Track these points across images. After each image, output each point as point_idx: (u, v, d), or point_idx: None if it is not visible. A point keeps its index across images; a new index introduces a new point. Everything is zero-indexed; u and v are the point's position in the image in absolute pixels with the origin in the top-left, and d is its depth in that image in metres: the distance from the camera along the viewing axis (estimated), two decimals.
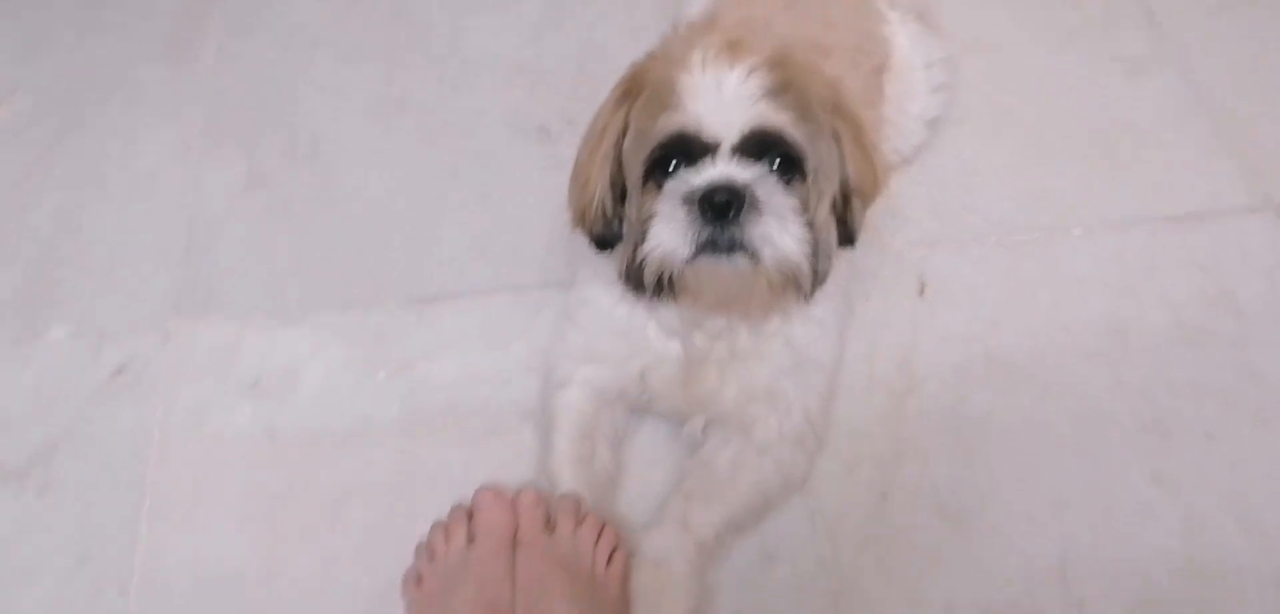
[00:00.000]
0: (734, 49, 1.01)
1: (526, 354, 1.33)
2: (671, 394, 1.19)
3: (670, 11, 1.54)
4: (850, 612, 1.15)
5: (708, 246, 0.98)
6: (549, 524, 1.10)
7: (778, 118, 0.99)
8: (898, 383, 1.31)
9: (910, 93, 1.43)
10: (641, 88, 1.05)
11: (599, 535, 1.10)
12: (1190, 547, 1.18)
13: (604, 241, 1.11)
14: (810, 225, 1.00)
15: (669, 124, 1.00)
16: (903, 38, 1.41)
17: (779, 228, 0.98)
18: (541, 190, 1.49)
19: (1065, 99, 1.62)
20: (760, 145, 1.00)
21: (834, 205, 1.05)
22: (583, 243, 1.15)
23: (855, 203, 1.06)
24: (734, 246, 0.97)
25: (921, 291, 1.39)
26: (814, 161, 1.01)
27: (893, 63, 1.38)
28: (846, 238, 1.08)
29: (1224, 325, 1.35)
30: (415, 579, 1.09)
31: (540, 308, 1.37)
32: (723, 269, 0.99)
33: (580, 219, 1.11)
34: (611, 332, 1.18)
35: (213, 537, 1.19)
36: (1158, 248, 1.43)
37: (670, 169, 1.01)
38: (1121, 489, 1.22)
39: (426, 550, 1.10)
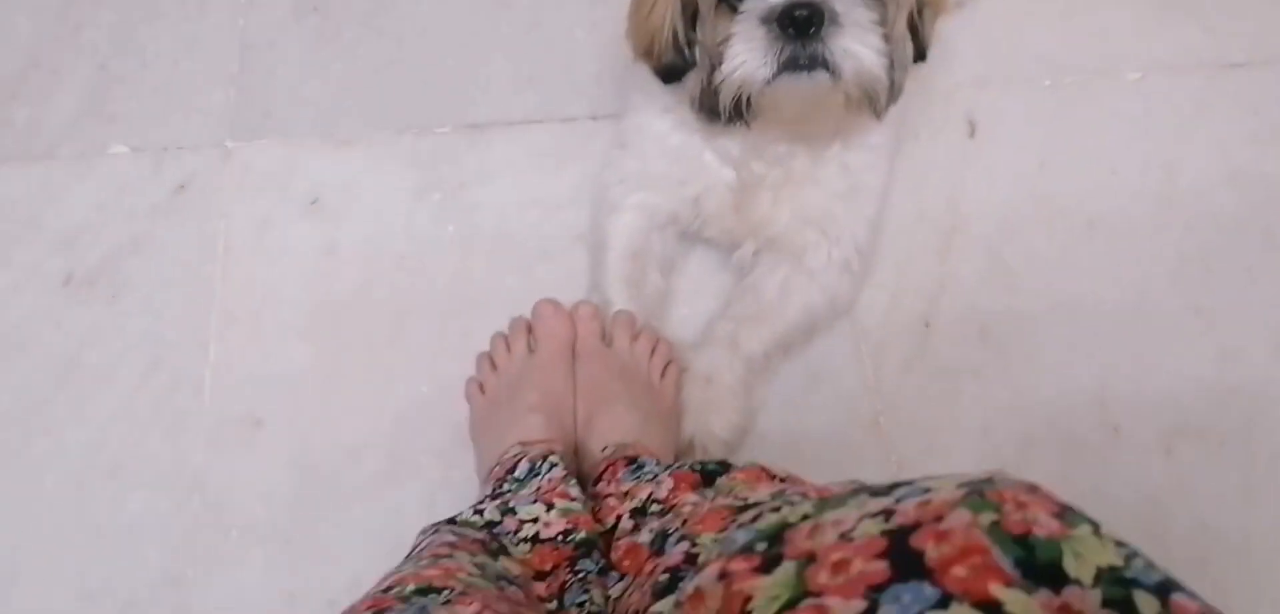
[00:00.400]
0: None
1: (577, 181, 1.35)
2: (724, 220, 1.21)
3: None
4: (891, 431, 1.19)
5: (789, 65, 0.97)
6: (605, 337, 1.14)
7: None
8: (944, 219, 1.33)
9: None
10: None
11: (653, 349, 1.14)
12: (1225, 375, 1.21)
13: (671, 72, 1.09)
14: (887, 39, 0.99)
15: None
16: None
17: (859, 41, 0.97)
18: (590, 22, 1.49)
19: None
20: None
21: (909, 17, 1.04)
22: (633, 72, 1.16)
23: (927, 13, 1.05)
24: (815, 63, 0.97)
25: (971, 134, 1.40)
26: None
27: None
28: (919, 52, 1.07)
29: (1271, 167, 1.36)
30: (478, 386, 1.13)
31: (590, 137, 1.39)
32: (803, 87, 0.98)
33: (646, 51, 1.09)
34: (665, 158, 1.20)
35: (278, 344, 1.23)
36: (1210, 92, 1.43)
37: None
38: (1161, 320, 1.25)
39: (488, 359, 1.15)
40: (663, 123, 1.19)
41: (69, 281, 1.26)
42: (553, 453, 0.99)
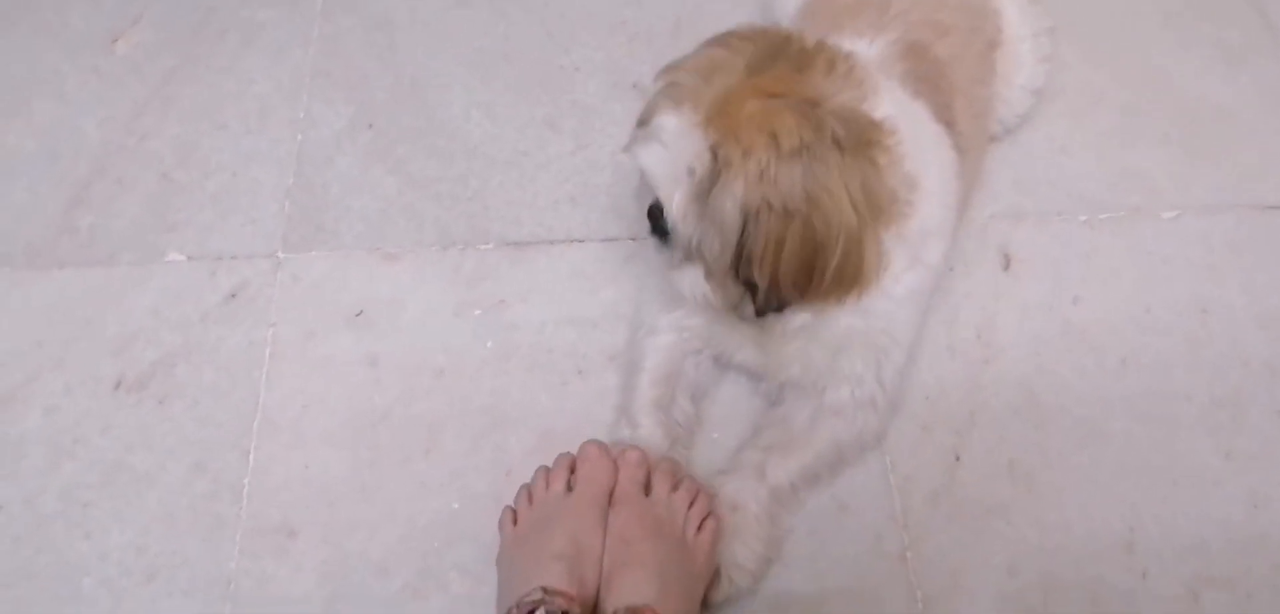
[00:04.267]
0: (681, 99, 1.02)
1: (615, 301, 1.38)
2: (749, 352, 1.23)
3: None
4: (918, 565, 1.18)
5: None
6: (647, 485, 1.15)
7: (663, 190, 1.03)
8: (976, 352, 1.34)
9: (1018, 63, 1.44)
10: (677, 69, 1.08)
11: (693, 502, 1.14)
12: (1255, 521, 1.20)
13: None
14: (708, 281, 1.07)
15: (633, 142, 1.07)
16: (1012, 8, 1.41)
17: (679, 272, 1.10)
18: None
19: (1160, 81, 1.62)
20: None
21: (737, 281, 1.06)
22: None
23: (762, 290, 1.04)
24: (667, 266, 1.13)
25: (1006, 266, 1.41)
26: (694, 248, 1.04)
27: (1003, 36, 1.39)
28: (759, 308, 1.08)
29: None
30: (511, 516, 1.14)
31: (629, 259, 1.42)
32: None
33: None
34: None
35: (317, 454, 1.26)
36: (1245, 234, 1.44)
37: None
38: (1191, 463, 1.25)
39: (527, 491, 1.16)
40: None
41: (119, 385, 1.31)
42: (569, 612, 1.00)
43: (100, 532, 1.20)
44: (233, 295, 1.39)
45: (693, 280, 1.08)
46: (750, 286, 1.04)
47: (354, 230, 1.46)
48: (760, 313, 1.08)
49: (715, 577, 1.13)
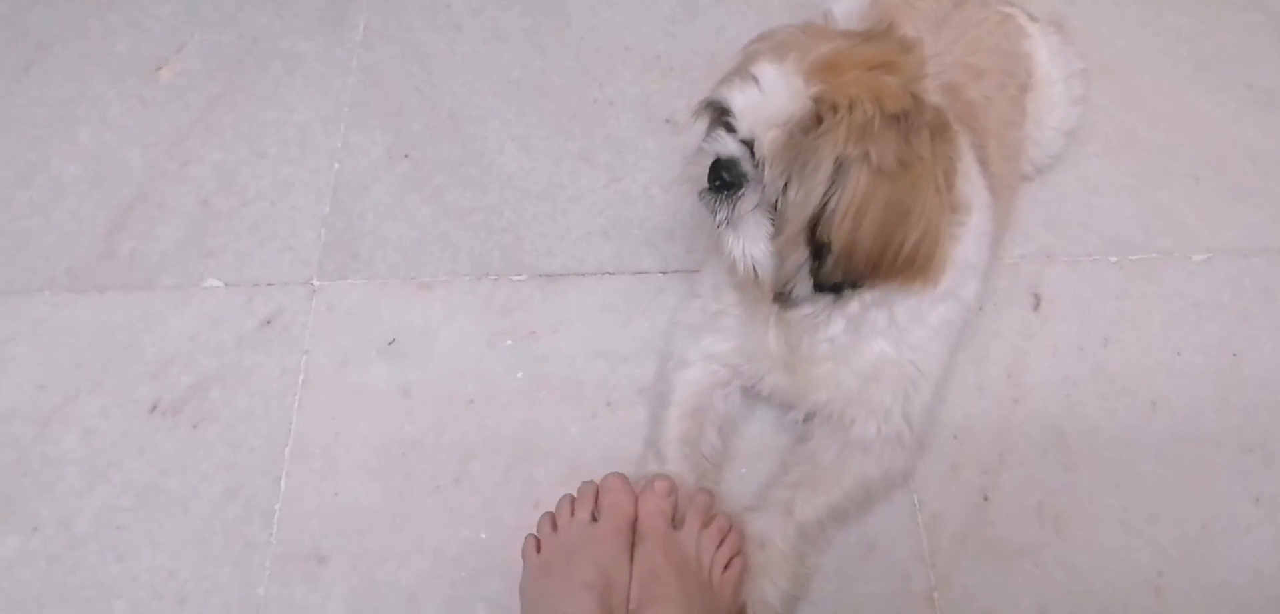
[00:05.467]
0: (811, 73, 1.00)
1: (645, 334, 1.40)
2: (776, 376, 1.23)
3: (801, 15, 1.58)
4: (945, 606, 1.19)
5: (704, 199, 1.08)
6: (677, 518, 1.15)
7: (761, 144, 1.01)
8: (1006, 391, 1.35)
9: (1050, 105, 1.45)
10: (762, 41, 1.09)
11: (722, 540, 1.14)
12: None
13: None
14: (775, 241, 1.04)
15: (723, 87, 1.05)
16: (1043, 51, 1.42)
17: (739, 229, 1.05)
18: (666, 180, 1.55)
19: (1193, 124, 1.62)
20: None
21: (817, 244, 1.02)
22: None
23: (831, 258, 1.01)
24: (721, 225, 1.06)
25: (1036, 306, 1.42)
26: (777, 194, 1.01)
27: (1034, 79, 1.40)
28: (819, 282, 1.05)
29: None
30: (535, 544, 1.15)
31: (659, 291, 1.44)
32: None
33: None
34: (728, 296, 1.24)
35: (348, 480, 1.28)
36: (1275, 277, 1.43)
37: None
38: (1220, 508, 1.25)
39: (550, 519, 1.17)
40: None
41: (155, 409, 1.33)
42: None
43: (133, 554, 1.22)
44: (268, 322, 1.41)
45: (750, 240, 1.05)
46: (818, 253, 1.02)
47: (388, 259, 1.48)
48: (819, 287, 1.05)
49: None
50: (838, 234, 0.99)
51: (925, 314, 1.16)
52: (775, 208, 1.02)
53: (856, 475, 1.20)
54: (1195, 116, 1.63)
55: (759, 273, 1.06)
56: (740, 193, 1.03)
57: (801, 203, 0.99)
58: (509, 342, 1.39)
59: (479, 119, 1.64)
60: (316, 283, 1.45)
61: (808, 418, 1.25)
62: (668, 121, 1.62)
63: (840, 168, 0.97)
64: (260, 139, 1.62)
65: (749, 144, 1.02)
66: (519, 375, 1.36)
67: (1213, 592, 1.19)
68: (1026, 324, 1.40)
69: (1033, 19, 1.44)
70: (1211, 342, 1.38)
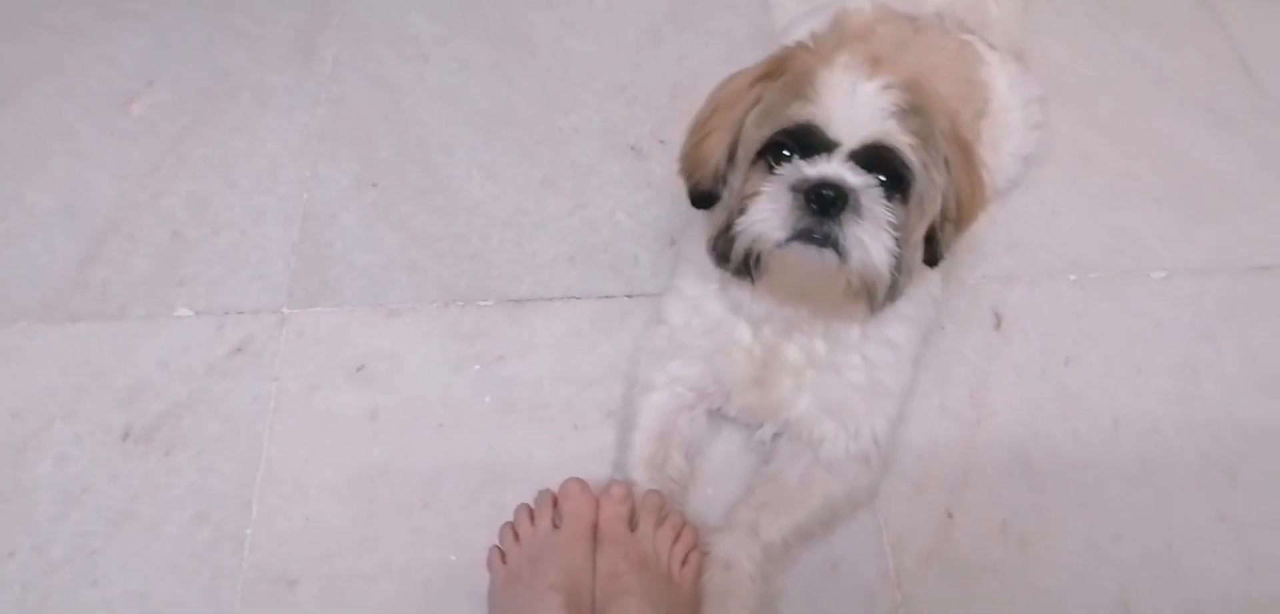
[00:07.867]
0: (876, 62, 1.05)
1: (610, 358, 1.41)
2: (746, 395, 1.25)
3: (765, 44, 1.61)
4: None
5: (803, 235, 1.02)
6: (632, 521, 1.17)
7: (900, 138, 1.03)
8: (969, 411, 1.36)
9: (1007, 131, 1.47)
10: (783, 72, 1.09)
11: (677, 536, 1.17)
12: (1252, 586, 1.21)
13: (703, 200, 1.15)
14: (902, 243, 1.04)
15: (799, 112, 1.04)
16: (1002, 78, 1.45)
17: (873, 236, 1.01)
18: (631, 205, 1.57)
19: (1153, 146, 1.65)
20: (874, 157, 1.03)
21: (930, 227, 1.08)
22: (684, 241, 1.22)
23: (948, 228, 1.10)
24: (827, 242, 1.01)
25: (998, 326, 1.43)
26: (921, 186, 1.05)
27: (991, 106, 1.43)
28: (932, 258, 1.12)
29: None
30: (500, 555, 1.17)
31: (625, 315, 1.45)
32: (811, 260, 1.03)
33: (689, 173, 1.15)
34: (698, 317, 1.25)
35: (318, 504, 1.28)
36: (1237, 295, 1.46)
37: (783, 156, 1.05)
38: (1185, 526, 1.26)
39: (511, 529, 1.18)
40: (699, 288, 1.25)
41: (127, 436, 1.33)
42: None
43: (106, 579, 1.22)
44: (238, 349, 1.42)
45: (877, 243, 1.02)
46: (930, 235, 1.09)
47: (357, 286, 1.49)
48: (932, 263, 1.13)
49: None
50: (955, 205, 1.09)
51: (890, 330, 1.19)
52: (903, 201, 1.04)
53: (822, 495, 1.22)
54: (1155, 138, 1.66)
55: (888, 273, 1.04)
56: (847, 207, 1.01)
57: (944, 187, 1.06)
58: (476, 366, 1.40)
59: (446, 148, 1.66)
60: (286, 311, 1.46)
61: (775, 436, 1.27)
62: (632, 148, 1.64)
63: (948, 140, 1.07)
64: (230, 170, 1.63)
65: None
66: (486, 400, 1.37)
67: (1178, 610, 1.20)
68: (989, 344, 1.42)
69: (991, 47, 1.47)
70: (1173, 360, 1.40)
